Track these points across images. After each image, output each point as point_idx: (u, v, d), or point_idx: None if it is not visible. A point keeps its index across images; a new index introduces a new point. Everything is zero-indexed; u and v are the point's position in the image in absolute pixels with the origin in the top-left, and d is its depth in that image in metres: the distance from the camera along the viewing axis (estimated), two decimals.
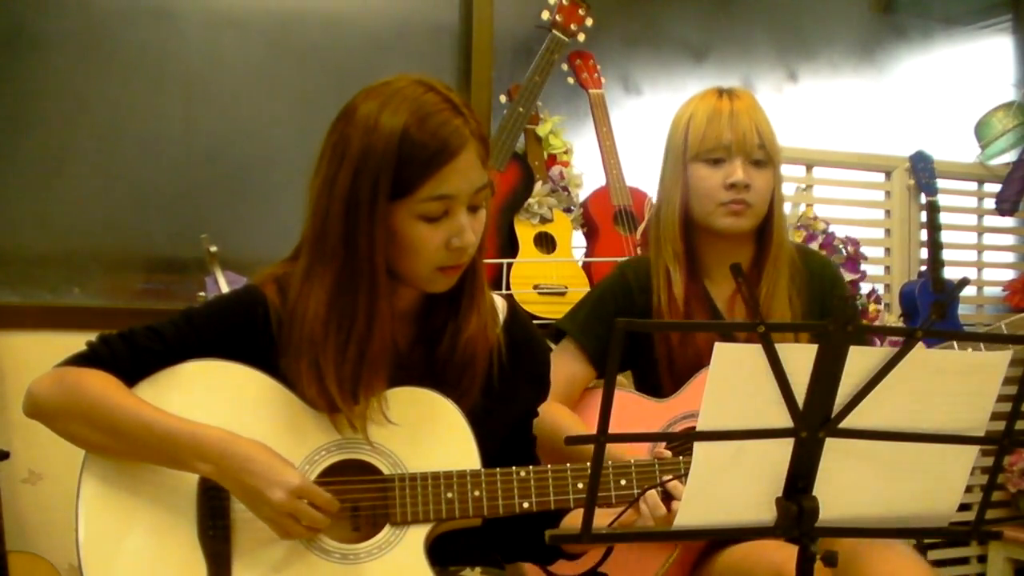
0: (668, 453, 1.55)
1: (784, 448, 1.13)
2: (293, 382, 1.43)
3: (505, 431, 1.55)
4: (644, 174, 3.01)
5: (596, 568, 1.54)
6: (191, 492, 1.40)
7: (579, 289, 2.77)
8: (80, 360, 1.42)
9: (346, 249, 1.40)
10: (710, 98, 1.93)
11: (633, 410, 1.90)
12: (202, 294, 2.34)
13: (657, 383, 1.92)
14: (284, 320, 1.45)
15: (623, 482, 1.46)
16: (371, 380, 1.42)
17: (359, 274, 1.40)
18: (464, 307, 1.50)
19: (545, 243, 2.80)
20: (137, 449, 1.38)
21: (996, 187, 3.44)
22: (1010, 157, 3.48)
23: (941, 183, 3.29)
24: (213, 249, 2.34)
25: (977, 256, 3.60)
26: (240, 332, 1.45)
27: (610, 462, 1.47)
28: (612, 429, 1.86)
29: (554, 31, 2.78)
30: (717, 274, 1.97)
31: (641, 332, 1.93)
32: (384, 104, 1.40)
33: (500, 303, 1.60)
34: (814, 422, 1.11)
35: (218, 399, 1.42)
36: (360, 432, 1.42)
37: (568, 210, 2.85)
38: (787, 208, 2.10)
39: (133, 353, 1.43)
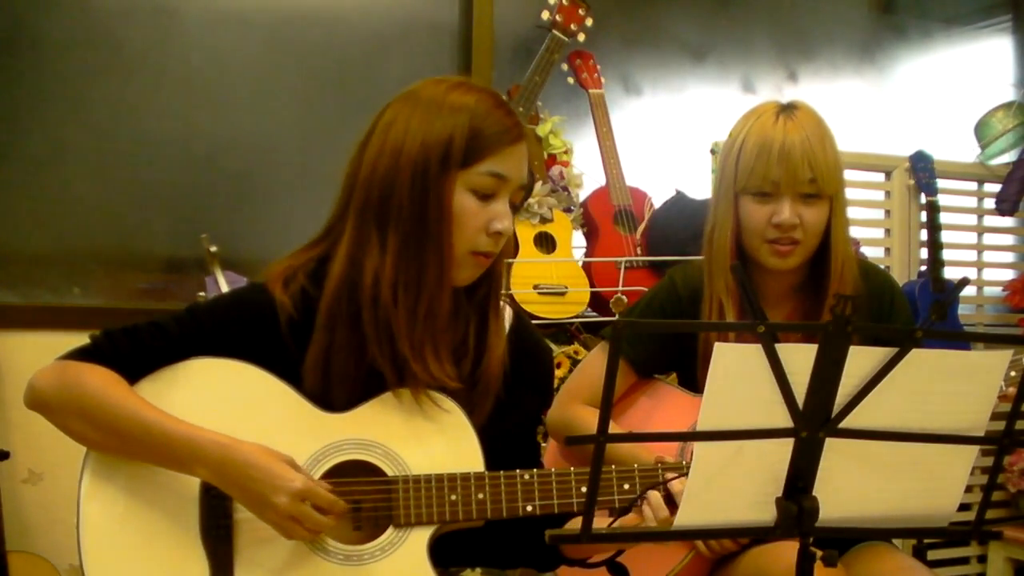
0: (670, 458, 1.55)
1: (784, 448, 1.13)
2: (331, 357, 1.43)
3: (509, 439, 1.54)
4: (644, 174, 3.02)
5: (615, 558, 1.54)
6: (193, 492, 1.40)
7: (579, 289, 2.77)
8: (82, 354, 1.42)
9: (414, 212, 1.41)
10: (765, 121, 1.82)
11: (676, 405, 1.91)
12: (202, 294, 2.34)
13: (698, 381, 1.91)
14: (327, 300, 1.44)
15: (626, 486, 1.46)
16: (438, 340, 1.44)
17: (427, 236, 1.41)
18: (491, 325, 1.51)
19: (545, 243, 2.80)
20: (135, 449, 1.38)
21: (996, 187, 3.43)
22: (1010, 157, 3.48)
23: (941, 183, 3.29)
24: (213, 249, 2.35)
25: (977, 256, 3.60)
26: (247, 332, 1.45)
27: (613, 466, 1.47)
28: (657, 422, 1.89)
29: (554, 31, 2.79)
30: (773, 300, 1.91)
31: (685, 334, 1.93)
32: (450, 88, 1.45)
33: (506, 310, 1.60)
34: (814, 422, 1.11)
35: (221, 398, 1.42)
36: (422, 394, 1.43)
37: (568, 210, 2.85)
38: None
39: (135, 349, 1.42)
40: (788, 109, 1.85)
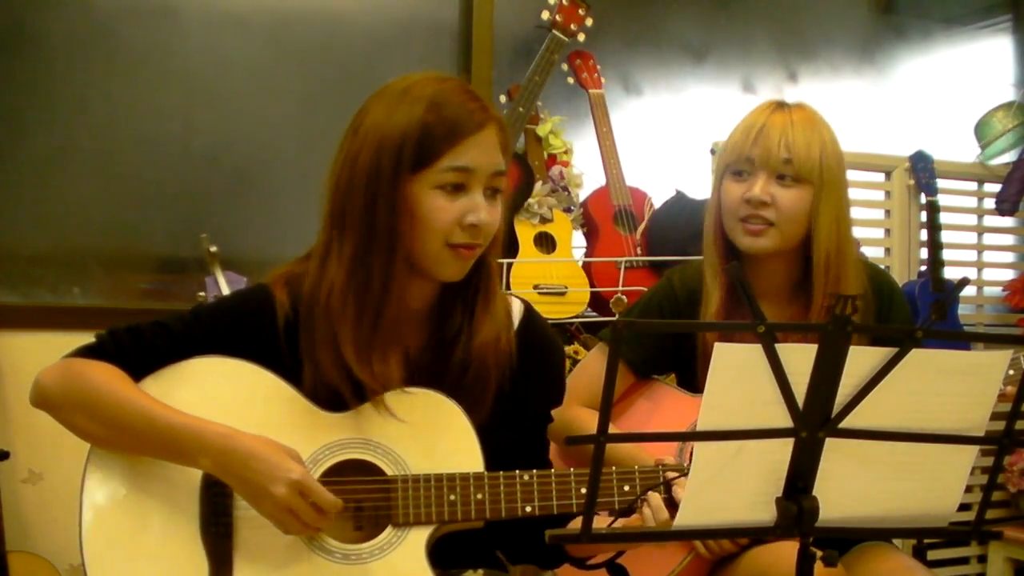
0: (670, 459, 1.55)
1: (784, 448, 1.13)
2: (311, 367, 1.43)
3: (518, 436, 1.54)
4: (644, 174, 3.02)
5: (614, 559, 1.54)
6: (194, 489, 1.40)
7: (579, 289, 2.77)
8: (87, 352, 1.43)
9: (365, 219, 1.41)
10: (757, 110, 1.86)
11: (675, 406, 1.91)
12: (202, 294, 2.33)
13: (697, 381, 1.90)
14: (302, 312, 1.45)
15: (626, 488, 1.46)
16: (386, 345, 1.43)
17: (376, 241, 1.41)
18: (479, 312, 1.50)
19: (545, 243, 2.80)
20: (139, 443, 1.39)
21: (996, 187, 3.43)
22: (1010, 157, 3.48)
23: (941, 183, 3.29)
24: (213, 249, 2.34)
25: (977, 256, 3.59)
26: (248, 331, 1.46)
27: (614, 467, 1.46)
28: (657, 423, 1.89)
29: (554, 31, 2.78)
30: (766, 294, 1.89)
31: (684, 334, 1.92)
32: (411, 85, 1.44)
33: (516, 305, 1.59)
34: (814, 422, 1.11)
35: (222, 396, 1.42)
36: (379, 406, 1.42)
37: (568, 210, 2.85)
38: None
39: (139, 347, 1.43)
40: (784, 103, 1.87)
